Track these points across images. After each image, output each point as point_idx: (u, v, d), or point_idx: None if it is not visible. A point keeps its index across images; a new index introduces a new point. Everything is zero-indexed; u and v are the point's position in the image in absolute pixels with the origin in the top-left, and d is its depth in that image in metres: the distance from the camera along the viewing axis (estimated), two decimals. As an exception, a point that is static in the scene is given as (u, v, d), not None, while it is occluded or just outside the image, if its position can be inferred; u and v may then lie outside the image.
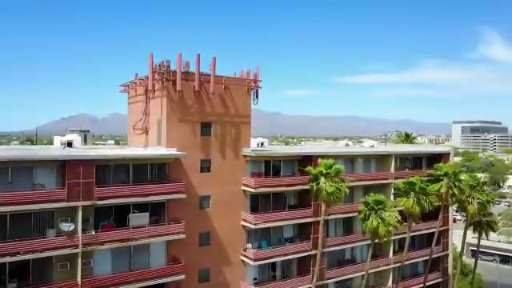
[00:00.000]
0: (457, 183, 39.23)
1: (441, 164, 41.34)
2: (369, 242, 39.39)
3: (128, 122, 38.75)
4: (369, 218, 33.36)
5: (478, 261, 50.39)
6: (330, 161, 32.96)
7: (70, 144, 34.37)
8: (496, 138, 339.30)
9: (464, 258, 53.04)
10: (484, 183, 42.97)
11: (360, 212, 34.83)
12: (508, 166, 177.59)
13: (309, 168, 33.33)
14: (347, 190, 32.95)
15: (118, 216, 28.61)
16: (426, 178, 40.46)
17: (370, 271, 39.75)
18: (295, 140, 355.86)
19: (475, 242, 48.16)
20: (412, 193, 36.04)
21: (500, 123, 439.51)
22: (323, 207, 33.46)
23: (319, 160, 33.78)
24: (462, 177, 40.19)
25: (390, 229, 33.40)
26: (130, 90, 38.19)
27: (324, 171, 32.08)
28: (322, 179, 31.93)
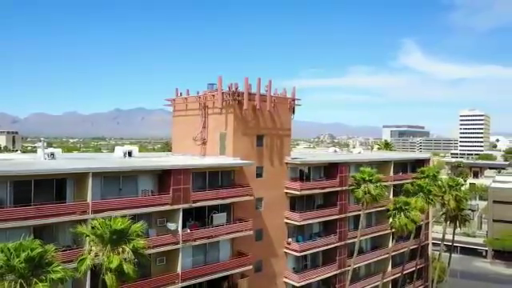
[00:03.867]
0: (436, 182, 48.29)
1: (424, 168, 50.49)
2: (372, 235, 47.73)
3: (173, 132, 43.14)
4: (396, 216, 40.83)
5: (433, 251, 59.82)
6: (371, 169, 40.08)
7: (130, 153, 38.02)
8: (421, 141, 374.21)
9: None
10: (461, 183, 52.63)
11: (388, 210, 42.26)
12: (436, 166, 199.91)
13: (354, 174, 40.33)
14: (386, 193, 40.19)
15: (197, 216, 33.24)
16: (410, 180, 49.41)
17: (372, 260, 47.71)
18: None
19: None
20: (421, 193, 44.26)
21: (423, 127, 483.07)
22: (364, 206, 40.27)
23: (361, 168, 41.21)
24: (440, 177, 49.45)
25: (414, 224, 41.28)
26: (175, 104, 42.39)
27: (367, 178, 39.00)
28: (368, 184, 38.80)
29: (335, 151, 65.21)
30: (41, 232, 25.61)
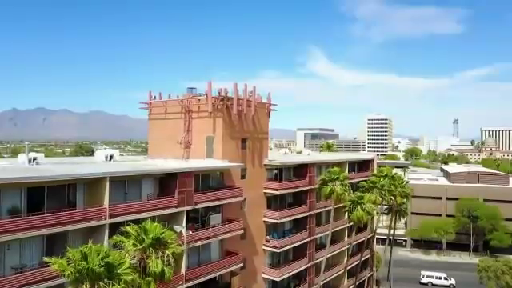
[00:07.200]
0: (394, 181, 54.16)
1: (383, 168, 56.11)
2: (333, 230, 51.69)
3: (149, 135, 42.77)
4: (355, 209, 45.03)
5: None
6: (338, 169, 43.58)
7: (111, 157, 37.23)
8: (333, 143, 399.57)
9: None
10: (406, 181, 59.36)
11: (345, 206, 46.31)
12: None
13: (323, 175, 43.46)
14: (350, 190, 43.97)
15: (191, 218, 33.85)
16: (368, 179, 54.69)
17: (333, 253, 51.76)
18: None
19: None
20: (375, 189, 49.22)
21: (333, 130, 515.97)
22: (333, 203, 43.74)
23: (330, 168, 44.59)
24: (395, 177, 55.56)
25: (369, 216, 45.80)
26: (152, 108, 42.15)
27: (334, 177, 42.45)
28: (336, 182, 42.22)
29: (285, 153, 68.87)
30: (53, 239, 24.73)
